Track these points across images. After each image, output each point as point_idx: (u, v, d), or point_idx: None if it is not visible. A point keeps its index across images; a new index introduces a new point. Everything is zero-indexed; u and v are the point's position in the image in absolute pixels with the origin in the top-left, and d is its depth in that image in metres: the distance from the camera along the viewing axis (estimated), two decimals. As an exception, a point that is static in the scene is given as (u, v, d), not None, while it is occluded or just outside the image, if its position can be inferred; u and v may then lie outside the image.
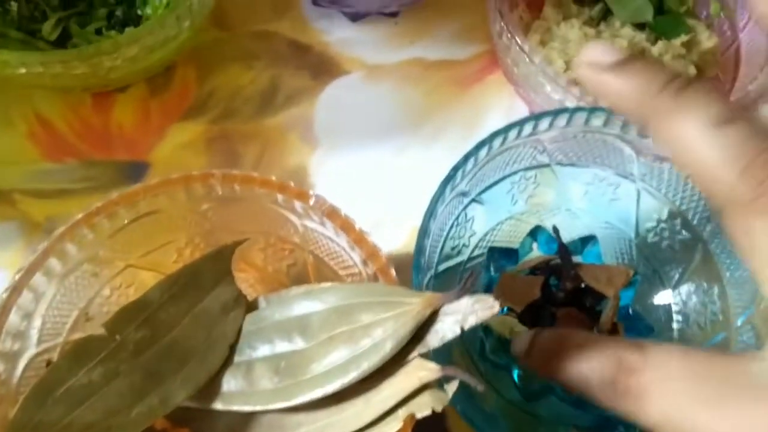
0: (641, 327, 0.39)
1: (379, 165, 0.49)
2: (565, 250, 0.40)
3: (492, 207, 0.40)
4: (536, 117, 0.35)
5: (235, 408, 0.28)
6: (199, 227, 0.35)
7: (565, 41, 0.48)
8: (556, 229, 0.40)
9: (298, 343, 0.29)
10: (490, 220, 0.41)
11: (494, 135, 0.34)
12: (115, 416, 0.27)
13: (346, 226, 0.32)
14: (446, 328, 0.26)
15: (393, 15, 0.55)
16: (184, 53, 0.50)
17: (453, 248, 0.39)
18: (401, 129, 0.51)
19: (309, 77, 0.52)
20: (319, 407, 0.28)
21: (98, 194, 0.47)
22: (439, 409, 0.26)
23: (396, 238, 0.47)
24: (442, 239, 0.38)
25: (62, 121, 0.49)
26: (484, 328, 0.39)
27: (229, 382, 0.29)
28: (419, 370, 0.26)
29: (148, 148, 0.48)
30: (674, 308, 0.39)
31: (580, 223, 0.42)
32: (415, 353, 0.27)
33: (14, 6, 0.45)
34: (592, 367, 0.27)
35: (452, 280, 0.39)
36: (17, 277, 0.29)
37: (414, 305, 0.27)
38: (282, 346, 0.29)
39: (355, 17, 0.54)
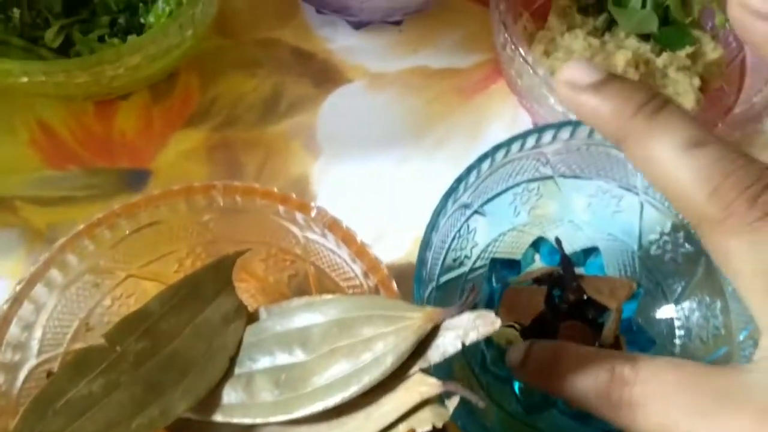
0: (643, 340, 0.39)
1: (382, 174, 0.49)
2: (567, 262, 0.40)
3: (494, 218, 0.40)
4: (539, 130, 0.35)
5: (235, 420, 0.28)
6: (200, 237, 0.35)
7: (570, 52, 0.48)
8: (558, 241, 0.40)
9: (299, 356, 0.29)
10: (493, 232, 0.41)
11: (497, 148, 0.34)
12: (115, 428, 0.27)
13: (347, 238, 0.32)
14: (447, 343, 0.26)
15: (397, 23, 0.55)
16: (187, 61, 0.50)
17: (455, 260, 0.39)
18: (404, 138, 0.51)
19: (312, 85, 0.52)
20: (319, 420, 0.28)
21: (100, 202, 0.47)
22: (439, 424, 0.26)
23: (398, 247, 0.47)
24: (444, 251, 0.38)
25: (64, 128, 0.49)
26: (486, 339, 0.39)
27: (230, 394, 0.29)
28: (420, 385, 0.26)
29: (151, 156, 0.48)
30: (677, 322, 0.39)
31: (582, 234, 0.42)
32: (416, 368, 0.27)
33: (17, 13, 0.45)
34: (586, 379, 0.28)
35: (454, 291, 0.39)
36: (18, 288, 0.29)
37: (415, 319, 0.27)
38: (282, 359, 0.29)
39: (359, 25, 0.54)
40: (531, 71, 0.43)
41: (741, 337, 0.35)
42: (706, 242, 0.25)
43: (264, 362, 0.29)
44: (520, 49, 0.43)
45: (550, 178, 0.39)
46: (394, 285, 0.31)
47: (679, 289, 0.39)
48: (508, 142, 0.34)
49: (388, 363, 0.26)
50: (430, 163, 0.50)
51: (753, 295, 0.24)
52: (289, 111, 0.51)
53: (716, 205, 0.23)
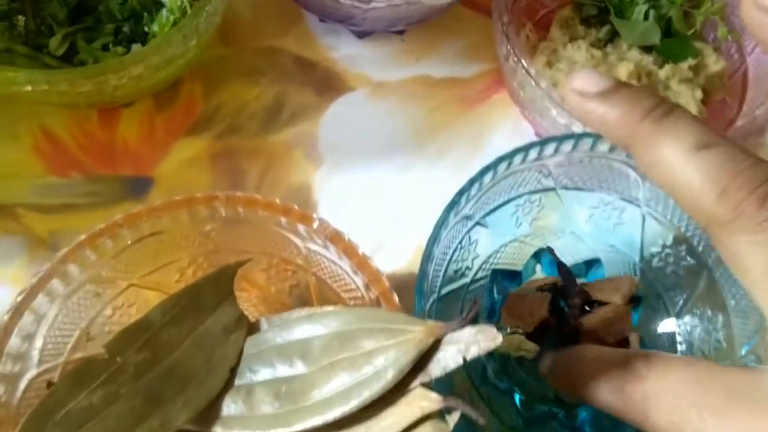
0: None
1: (384, 183, 0.49)
2: (564, 268, 0.40)
3: (496, 230, 0.40)
4: (541, 142, 0.35)
5: (235, 432, 0.28)
6: (202, 247, 0.35)
7: (572, 63, 0.48)
8: (551, 249, 0.40)
9: (299, 368, 0.29)
10: (494, 243, 0.41)
11: (499, 160, 0.34)
12: (115, 439, 0.27)
13: (349, 250, 0.32)
14: (448, 358, 0.26)
15: (399, 32, 0.55)
16: (191, 69, 0.50)
17: (456, 271, 0.39)
18: (406, 147, 0.51)
19: (314, 93, 0.52)
20: (319, 434, 0.28)
21: (102, 209, 0.47)
22: (440, 440, 0.26)
23: (400, 256, 0.47)
24: (446, 262, 0.38)
25: (68, 135, 0.49)
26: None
27: (229, 406, 0.29)
28: (421, 400, 0.26)
29: (153, 164, 0.48)
30: (678, 336, 0.39)
31: (584, 246, 0.42)
32: (416, 382, 0.27)
33: (21, 20, 0.45)
34: (602, 376, 0.28)
35: (455, 302, 0.39)
36: (19, 299, 0.29)
37: (416, 333, 0.27)
38: (283, 370, 0.29)
39: (362, 34, 0.54)
40: (533, 83, 0.43)
41: (743, 352, 0.35)
42: (715, 243, 0.25)
43: (264, 374, 0.29)
44: (523, 62, 0.43)
45: (552, 189, 0.39)
46: (396, 298, 0.31)
47: (681, 302, 0.39)
48: (511, 155, 0.34)
49: (389, 377, 0.26)
50: (431, 172, 0.50)
51: (764, 294, 0.24)
52: (292, 119, 0.51)
53: (725, 206, 0.24)
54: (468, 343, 0.26)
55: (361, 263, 0.32)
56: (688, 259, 0.38)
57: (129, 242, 0.32)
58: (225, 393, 0.29)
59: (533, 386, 0.39)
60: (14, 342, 0.29)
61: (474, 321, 0.26)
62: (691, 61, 0.48)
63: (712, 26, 0.51)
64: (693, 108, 0.47)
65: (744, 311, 0.35)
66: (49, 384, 0.31)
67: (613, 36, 0.50)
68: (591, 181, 0.39)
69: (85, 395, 0.28)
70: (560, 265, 0.40)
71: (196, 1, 0.45)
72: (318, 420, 0.27)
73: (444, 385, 0.26)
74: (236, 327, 0.31)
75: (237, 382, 0.29)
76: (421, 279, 0.32)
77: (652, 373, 0.26)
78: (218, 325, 0.31)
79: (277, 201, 0.32)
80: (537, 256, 0.42)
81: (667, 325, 0.39)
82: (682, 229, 0.38)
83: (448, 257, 0.37)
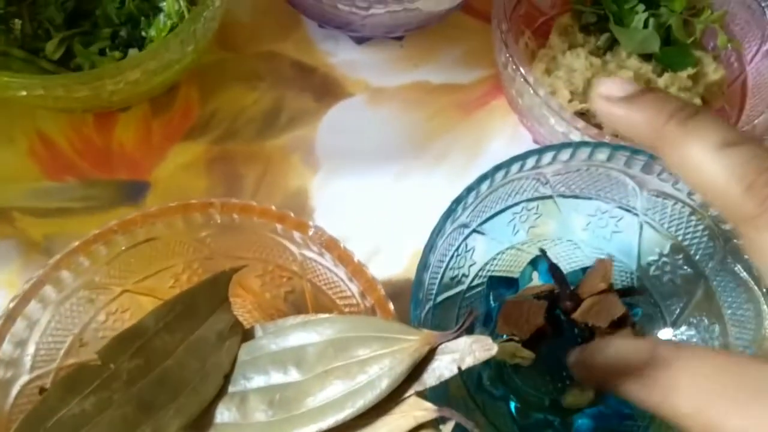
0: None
1: (381, 189, 0.49)
2: (556, 271, 0.40)
3: (493, 237, 0.40)
4: (539, 151, 0.35)
5: (228, 440, 0.28)
6: (197, 253, 0.35)
7: (571, 70, 0.48)
8: (543, 251, 0.40)
9: (294, 375, 0.29)
10: (491, 250, 0.41)
11: (496, 168, 0.34)
12: (107, 446, 0.27)
13: (344, 257, 0.32)
14: (443, 367, 0.26)
15: (398, 39, 0.55)
16: (188, 74, 0.50)
17: (453, 278, 0.39)
18: (403, 153, 0.51)
19: (312, 99, 0.52)
20: (313, 443, 0.27)
21: (98, 214, 0.46)
22: (434, 449, 0.26)
23: (396, 262, 0.47)
24: (442, 269, 0.37)
25: (64, 139, 0.49)
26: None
27: (223, 414, 0.29)
28: (415, 410, 0.26)
29: (149, 168, 0.48)
30: (675, 346, 0.39)
31: (581, 253, 0.42)
32: (411, 391, 0.27)
33: (18, 24, 0.45)
34: (627, 365, 0.28)
35: (452, 309, 0.39)
36: (11, 305, 0.29)
37: (411, 342, 0.26)
38: (277, 378, 0.29)
39: (361, 40, 0.54)
40: (532, 91, 0.43)
41: (739, 362, 0.35)
42: (743, 239, 0.26)
43: (258, 381, 0.29)
44: (522, 70, 0.43)
45: (550, 197, 0.39)
46: (391, 306, 0.31)
47: (678, 311, 0.39)
48: (508, 163, 0.34)
49: (383, 386, 0.26)
50: (429, 178, 0.50)
51: None
52: (289, 125, 0.51)
53: (751, 202, 0.24)
54: (463, 353, 0.26)
55: (357, 271, 0.31)
56: (685, 268, 0.38)
57: (123, 248, 0.32)
58: (218, 400, 0.29)
59: (529, 394, 0.39)
60: (6, 348, 0.29)
61: (470, 330, 0.26)
62: (690, 70, 0.48)
63: (712, 35, 0.51)
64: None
65: (741, 320, 0.35)
66: (42, 390, 0.31)
67: (613, 44, 0.50)
68: (588, 189, 0.39)
69: (78, 402, 0.27)
70: (552, 267, 0.40)
71: (194, 6, 0.45)
72: (311, 428, 0.27)
73: (439, 392, 0.26)
74: (231, 334, 0.30)
75: (231, 389, 0.29)
76: (416, 288, 0.32)
77: (680, 361, 0.26)
78: (213, 331, 0.30)
79: (273, 208, 0.32)
80: (534, 263, 0.42)
81: (663, 334, 0.39)
82: (680, 239, 0.38)
83: (444, 264, 0.37)
